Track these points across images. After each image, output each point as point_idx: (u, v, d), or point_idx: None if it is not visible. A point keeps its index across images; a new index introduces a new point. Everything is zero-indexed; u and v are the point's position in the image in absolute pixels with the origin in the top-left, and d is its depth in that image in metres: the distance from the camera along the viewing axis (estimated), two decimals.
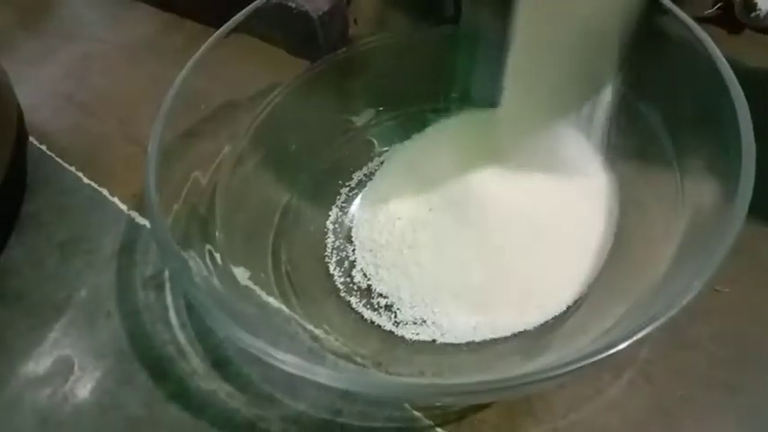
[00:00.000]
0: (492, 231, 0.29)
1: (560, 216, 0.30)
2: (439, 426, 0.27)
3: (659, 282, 0.25)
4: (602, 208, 0.30)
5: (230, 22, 0.31)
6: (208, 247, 0.27)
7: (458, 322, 0.28)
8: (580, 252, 0.29)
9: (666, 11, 0.28)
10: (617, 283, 0.27)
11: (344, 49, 0.35)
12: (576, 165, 0.31)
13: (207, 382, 0.29)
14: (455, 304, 0.29)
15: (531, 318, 0.28)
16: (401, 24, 0.36)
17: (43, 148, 0.38)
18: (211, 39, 0.31)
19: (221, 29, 0.31)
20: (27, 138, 0.37)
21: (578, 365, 0.21)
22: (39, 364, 0.30)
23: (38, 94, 0.42)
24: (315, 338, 0.28)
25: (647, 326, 0.21)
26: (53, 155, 0.38)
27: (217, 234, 0.28)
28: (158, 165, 0.26)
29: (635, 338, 0.21)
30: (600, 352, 0.21)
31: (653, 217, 0.28)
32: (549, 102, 0.29)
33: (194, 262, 0.25)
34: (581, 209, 0.30)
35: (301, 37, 0.36)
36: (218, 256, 0.27)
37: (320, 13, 0.35)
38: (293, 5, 0.35)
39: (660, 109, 0.29)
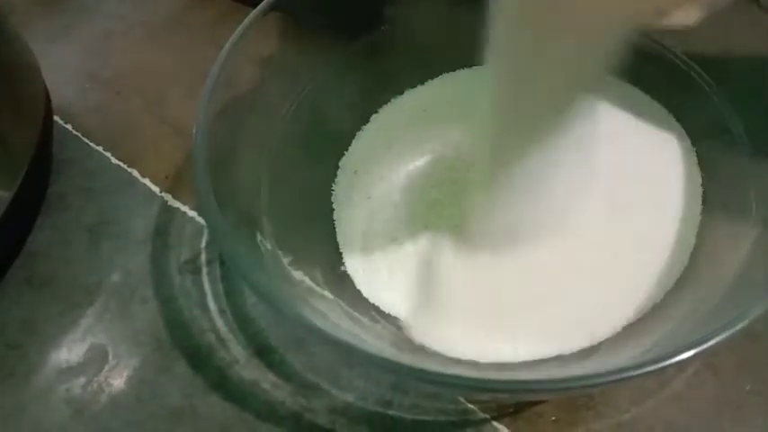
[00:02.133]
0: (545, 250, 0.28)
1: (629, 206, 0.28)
2: (494, 419, 0.26)
3: (725, 290, 0.24)
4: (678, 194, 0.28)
5: (267, 0, 0.30)
6: (257, 233, 0.26)
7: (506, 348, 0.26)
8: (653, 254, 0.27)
9: None
10: (683, 287, 0.26)
11: (384, 26, 0.34)
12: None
13: (249, 371, 0.28)
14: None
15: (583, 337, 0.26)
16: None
17: (68, 127, 0.37)
18: (250, 17, 0.29)
19: (259, 7, 0.30)
20: (53, 117, 0.36)
21: (641, 371, 0.19)
22: (71, 351, 0.29)
23: (60, 72, 0.40)
24: (362, 326, 0.27)
25: (719, 333, 0.20)
26: (79, 134, 0.36)
27: (264, 219, 0.27)
28: (207, 148, 0.25)
29: (706, 346, 0.20)
30: (669, 357, 0.20)
31: (717, 224, 0.27)
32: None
33: (249, 249, 0.24)
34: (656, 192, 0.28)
35: (337, 13, 0.34)
36: (268, 243, 0.26)
37: None
38: None
39: (742, 116, 0.28)
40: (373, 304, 0.28)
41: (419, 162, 0.31)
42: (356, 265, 0.29)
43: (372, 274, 0.28)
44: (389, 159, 0.31)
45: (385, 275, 0.28)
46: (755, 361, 0.26)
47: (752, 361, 0.26)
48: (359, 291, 0.28)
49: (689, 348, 0.19)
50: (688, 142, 0.30)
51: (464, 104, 0.32)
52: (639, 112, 0.31)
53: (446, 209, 0.29)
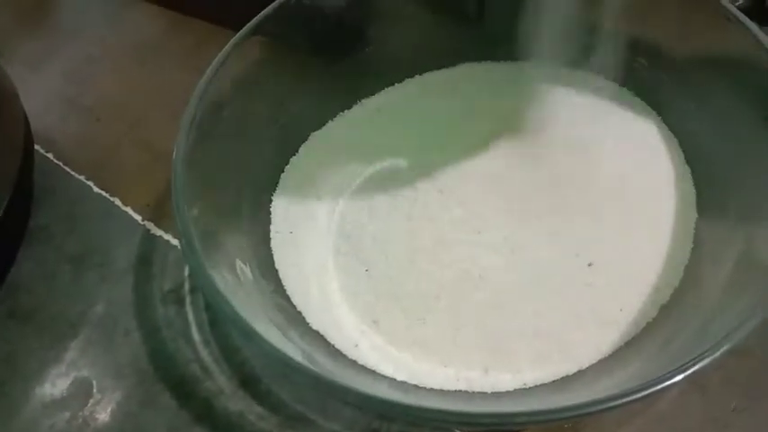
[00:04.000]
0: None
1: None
2: None
3: (708, 311, 0.24)
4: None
5: (248, 24, 0.30)
6: (237, 261, 0.25)
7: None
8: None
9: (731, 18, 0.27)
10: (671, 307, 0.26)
11: (368, 48, 0.34)
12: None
13: (234, 402, 0.27)
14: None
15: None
16: (421, 20, 0.35)
17: (49, 156, 0.37)
18: (231, 42, 0.29)
19: (240, 32, 0.30)
20: (33, 146, 0.35)
21: (625, 400, 0.19)
22: (55, 386, 0.29)
23: (40, 98, 0.40)
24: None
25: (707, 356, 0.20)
26: (60, 163, 0.36)
27: (245, 247, 0.27)
28: (185, 178, 0.25)
29: (694, 369, 0.20)
30: (655, 384, 0.20)
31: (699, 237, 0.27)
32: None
33: (227, 279, 0.23)
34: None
35: (319, 37, 0.34)
36: (249, 271, 0.25)
37: (337, 11, 0.34)
38: (308, 3, 0.34)
39: (716, 123, 0.28)
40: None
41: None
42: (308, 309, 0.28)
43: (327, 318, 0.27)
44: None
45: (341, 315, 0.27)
46: (741, 378, 0.26)
47: (738, 378, 0.26)
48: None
49: (673, 375, 0.19)
50: (682, 157, 0.30)
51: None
52: (631, 118, 0.31)
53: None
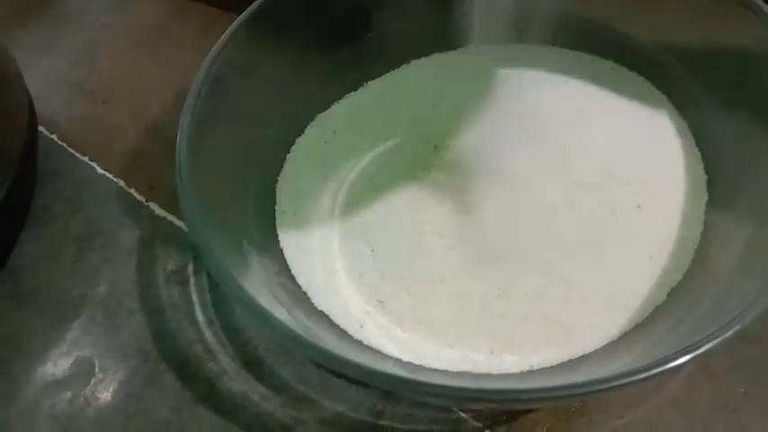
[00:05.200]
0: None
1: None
2: (488, 428, 0.25)
3: (718, 293, 0.23)
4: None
5: (250, 8, 0.30)
6: (243, 242, 0.25)
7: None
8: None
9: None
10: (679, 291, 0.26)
11: (371, 32, 0.33)
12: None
13: (238, 382, 0.27)
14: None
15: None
16: (426, 2, 0.34)
17: (54, 137, 0.36)
18: (233, 25, 0.29)
19: (242, 15, 0.29)
20: (37, 127, 0.35)
21: (631, 379, 0.19)
22: (57, 365, 0.29)
23: (45, 82, 0.40)
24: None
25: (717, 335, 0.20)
26: (65, 145, 0.36)
27: (251, 228, 0.26)
28: (190, 159, 0.24)
29: (700, 351, 0.20)
30: (663, 363, 0.19)
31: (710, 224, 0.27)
32: None
33: (232, 259, 0.23)
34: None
35: (325, 19, 0.34)
36: (255, 251, 0.25)
37: None
38: None
39: (726, 108, 0.28)
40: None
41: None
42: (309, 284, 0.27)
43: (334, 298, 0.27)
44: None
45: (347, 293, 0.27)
46: (750, 363, 0.26)
47: (746, 363, 0.26)
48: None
49: (682, 354, 0.19)
50: (692, 141, 0.29)
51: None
52: (641, 102, 0.30)
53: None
